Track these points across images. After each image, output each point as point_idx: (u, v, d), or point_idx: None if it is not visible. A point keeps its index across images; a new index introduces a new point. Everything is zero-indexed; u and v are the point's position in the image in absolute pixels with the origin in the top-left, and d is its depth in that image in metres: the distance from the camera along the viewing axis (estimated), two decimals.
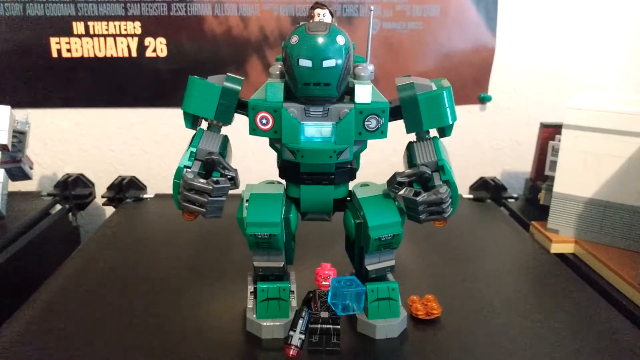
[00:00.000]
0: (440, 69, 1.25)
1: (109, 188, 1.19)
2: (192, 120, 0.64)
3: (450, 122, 0.62)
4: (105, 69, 1.22)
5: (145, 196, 1.19)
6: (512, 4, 1.24)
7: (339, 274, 0.59)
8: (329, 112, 0.60)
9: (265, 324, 0.64)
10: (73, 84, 1.23)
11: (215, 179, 0.60)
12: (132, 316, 0.70)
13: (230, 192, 0.62)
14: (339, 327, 0.59)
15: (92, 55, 1.21)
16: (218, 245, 0.92)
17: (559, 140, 0.93)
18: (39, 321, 0.68)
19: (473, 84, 1.28)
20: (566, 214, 0.94)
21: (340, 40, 0.57)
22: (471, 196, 1.21)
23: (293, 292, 0.67)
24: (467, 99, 1.29)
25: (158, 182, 1.29)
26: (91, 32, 1.19)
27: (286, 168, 0.65)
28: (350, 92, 0.61)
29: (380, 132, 0.61)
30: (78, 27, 1.19)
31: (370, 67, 0.61)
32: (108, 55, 1.21)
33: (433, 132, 0.64)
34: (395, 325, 0.65)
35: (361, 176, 0.69)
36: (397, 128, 0.63)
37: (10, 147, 0.98)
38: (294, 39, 0.57)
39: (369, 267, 0.65)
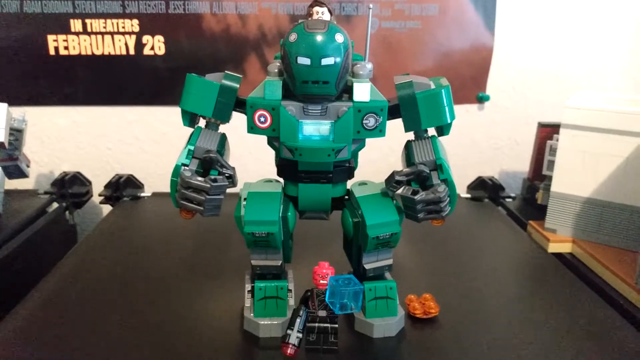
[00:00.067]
0: (438, 68, 1.25)
1: (106, 186, 1.18)
2: (189, 118, 0.64)
3: (449, 121, 0.62)
4: (102, 67, 1.21)
5: (142, 194, 1.19)
6: (510, 3, 1.24)
7: (336, 272, 0.58)
8: (327, 111, 0.60)
9: (262, 322, 0.64)
10: (70, 81, 1.22)
11: (213, 177, 0.60)
12: (129, 314, 0.70)
13: (228, 190, 0.61)
14: (336, 325, 0.59)
15: (89, 53, 1.20)
16: (216, 244, 0.92)
17: (557, 140, 0.93)
18: (35, 319, 0.68)
19: (471, 83, 1.28)
20: (564, 214, 0.94)
21: (339, 38, 0.57)
22: (469, 195, 1.20)
23: (291, 290, 0.67)
24: (466, 98, 1.29)
25: (155, 180, 1.29)
26: (89, 29, 1.19)
27: (284, 166, 0.65)
28: (348, 90, 0.61)
29: (379, 131, 0.61)
30: (75, 24, 1.18)
31: (369, 66, 0.61)
32: (106, 53, 1.20)
33: (431, 131, 0.64)
34: (393, 324, 0.65)
35: (359, 175, 0.69)
36: (395, 127, 0.63)
37: (7, 144, 0.97)
38: (293, 37, 0.57)
39: (367, 266, 0.65)
